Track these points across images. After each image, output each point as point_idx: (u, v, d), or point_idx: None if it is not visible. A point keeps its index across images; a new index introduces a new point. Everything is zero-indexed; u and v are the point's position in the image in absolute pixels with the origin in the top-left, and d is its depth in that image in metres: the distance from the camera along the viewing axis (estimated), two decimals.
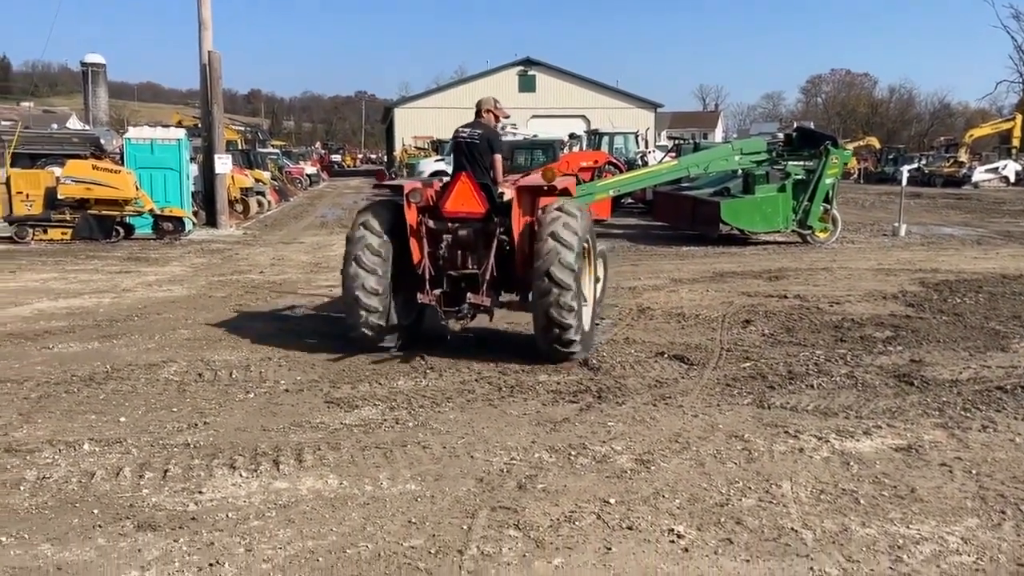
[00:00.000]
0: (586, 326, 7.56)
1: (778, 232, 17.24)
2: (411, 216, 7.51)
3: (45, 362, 7.58)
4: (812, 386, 6.69)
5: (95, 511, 4.30)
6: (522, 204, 7.59)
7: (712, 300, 10.64)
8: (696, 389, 6.66)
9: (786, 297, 10.74)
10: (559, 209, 7.29)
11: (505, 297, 8.00)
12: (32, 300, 10.90)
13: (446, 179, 8.35)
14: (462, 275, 7.57)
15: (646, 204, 23.82)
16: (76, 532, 4.05)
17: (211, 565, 3.72)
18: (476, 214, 7.49)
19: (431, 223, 7.56)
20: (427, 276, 7.36)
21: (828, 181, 16.55)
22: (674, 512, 4.30)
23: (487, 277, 7.35)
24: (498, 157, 7.89)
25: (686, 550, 3.86)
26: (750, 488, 4.62)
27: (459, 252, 7.59)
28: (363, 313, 7.36)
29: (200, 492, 4.54)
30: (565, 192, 7.84)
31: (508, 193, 7.59)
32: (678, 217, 19.07)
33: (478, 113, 8.13)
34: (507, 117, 8.43)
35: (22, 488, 4.62)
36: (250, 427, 5.67)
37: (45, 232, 17.97)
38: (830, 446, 5.29)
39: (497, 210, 7.55)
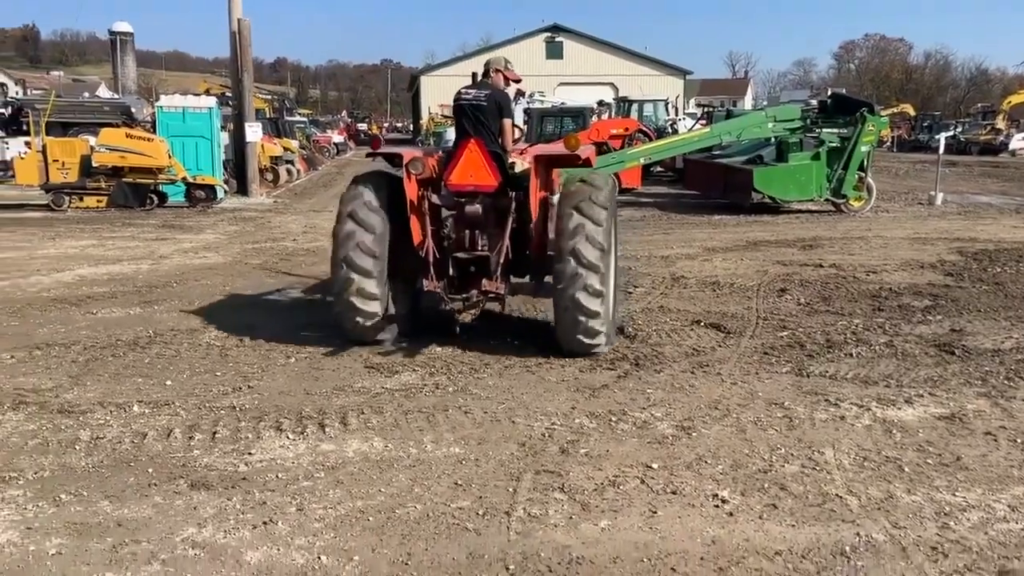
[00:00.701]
0: (611, 314, 6.77)
1: (811, 201, 17.05)
2: (411, 190, 6.53)
3: (89, 327, 7.72)
4: (851, 355, 6.66)
5: (149, 470, 4.41)
6: (540, 176, 6.82)
7: (746, 269, 10.57)
8: (734, 357, 6.65)
9: (821, 266, 10.65)
10: (584, 180, 6.48)
11: (514, 281, 7.17)
12: (73, 266, 11.08)
13: (448, 146, 7.43)
14: (471, 258, 6.61)
15: (675, 172, 23.62)
16: (133, 490, 4.16)
17: (265, 523, 3.81)
18: (487, 187, 6.50)
19: (434, 198, 6.66)
20: (431, 260, 6.37)
21: (863, 149, 16.32)
22: (717, 477, 4.33)
23: (501, 260, 6.41)
24: (508, 122, 6.88)
25: (731, 514, 3.89)
26: (792, 455, 4.63)
27: (467, 232, 6.64)
28: (359, 320, 6.53)
29: (249, 453, 4.63)
30: (587, 163, 6.95)
31: (520, 163, 6.64)
32: (709, 185, 18.90)
33: (485, 73, 7.14)
34: (518, 81, 7.39)
35: (78, 448, 4.74)
36: (293, 391, 5.76)
37: (81, 200, 18.20)
38: (871, 414, 5.28)
39: (509, 183, 6.60)
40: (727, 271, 10.41)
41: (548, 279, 6.87)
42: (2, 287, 9.76)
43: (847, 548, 3.57)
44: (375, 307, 6.49)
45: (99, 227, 15.42)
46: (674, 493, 4.12)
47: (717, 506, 3.99)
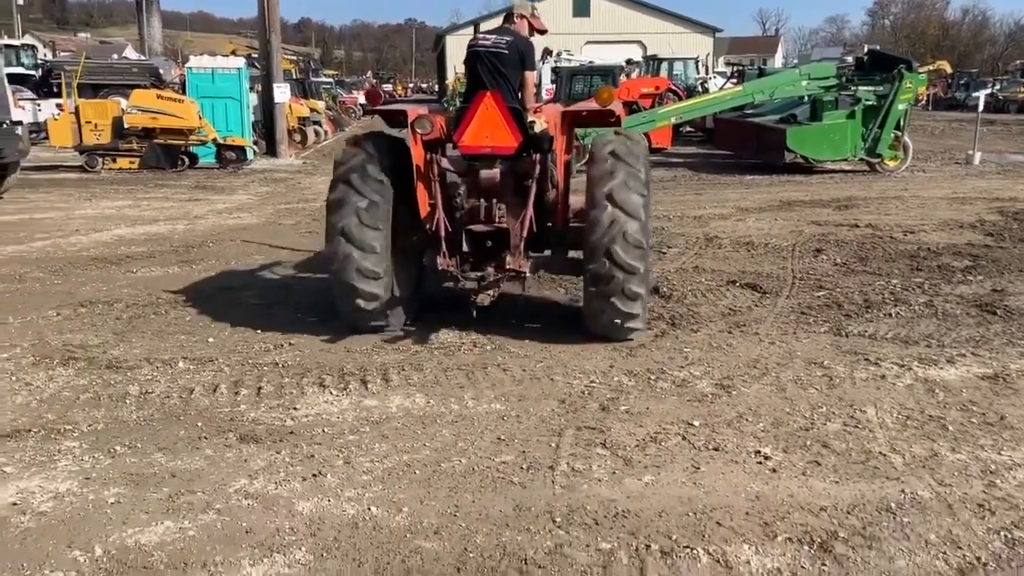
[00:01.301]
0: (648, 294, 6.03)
1: (845, 160, 16.80)
2: (417, 153, 5.72)
3: (130, 285, 7.85)
4: (890, 315, 6.60)
5: (199, 424, 4.51)
6: (568, 136, 6.26)
7: (780, 229, 10.48)
8: (770, 317, 6.62)
9: (857, 226, 10.52)
10: (615, 156, 5.58)
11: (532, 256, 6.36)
12: (110, 226, 11.23)
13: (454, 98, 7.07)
14: (487, 232, 5.73)
15: (705, 132, 23.33)
16: (184, 443, 4.26)
17: (314, 476, 3.89)
18: (505, 149, 5.68)
19: (444, 163, 5.81)
20: (443, 234, 5.52)
21: (900, 107, 16.00)
22: (758, 435, 4.34)
23: (524, 234, 5.62)
24: (531, 75, 6.01)
25: (774, 471, 3.92)
26: (834, 413, 4.63)
27: (482, 201, 5.77)
28: (360, 302, 5.72)
29: (295, 408, 4.71)
30: (617, 121, 6.19)
31: (540, 123, 5.82)
32: (741, 145, 18.65)
33: (507, 19, 6.23)
34: (543, 33, 6.39)
35: (128, 402, 4.85)
36: (334, 349, 5.83)
37: (114, 161, 18.36)
38: (913, 374, 5.25)
39: (530, 144, 5.80)
40: (761, 231, 10.32)
41: (573, 254, 6.22)
42: (43, 247, 9.93)
43: (892, 505, 3.58)
44: (378, 288, 5.68)
45: (133, 188, 15.58)
46: (716, 450, 4.15)
47: (760, 463, 4.01)
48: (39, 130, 22.19)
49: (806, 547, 3.25)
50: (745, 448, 4.17)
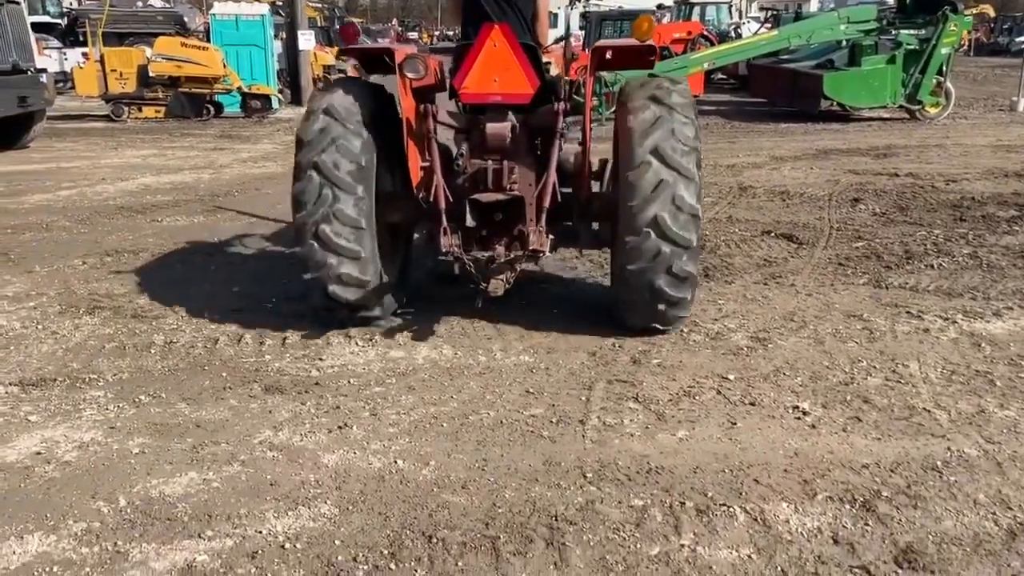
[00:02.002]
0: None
1: (884, 107, 16.29)
2: (407, 105, 4.67)
3: (156, 234, 7.80)
4: (932, 266, 6.37)
5: (223, 374, 4.45)
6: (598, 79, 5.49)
7: (817, 178, 10.18)
8: (807, 268, 6.43)
9: (897, 175, 10.20)
10: (657, 101, 4.54)
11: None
12: (136, 175, 11.19)
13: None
14: (496, 202, 4.66)
15: (738, 80, 22.75)
16: (209, 393, 4.20)
17: (340, 427, 3.81)
18: (519, 96, 4.64)
19: (441, 115, 4.80)
20: (443, 206, 4.48)
21: (944, 51, 15.43)
22: (796, 389, 4.19)
23: (546, 204, 4.53)
24: (545, 5, 5.16)
25: (813, 427, 3.78)
26: (875, 367, 4.47)
27: (490, 163, 4.71)
28: (338, 290, 4.72)
29: (320, 359, 4.63)
30: (652, 62, 5.06)
31: (557, 65, 5.15)
32: (776, 92, 18.14)
33: None
34: None
35: (153, 351, 4.80)
36: None
37: (140, 110, 18.31)
38: (958, 327, 5.05)
39: (548, 90, 4.86)
40: (796, 180, 10.04)
41: (598, 226, 5.38)
42: (70, 196, 9.91)
43: (938, 463, 3.44)
44: (360, 272, 4.68)
45: (159, 137, 15.52)
46: (752, 404, 4.01)
47: (798, 418, 3.87)
48: (65, 79, 22.20)
49: (847, 506, 3.12)
50: (782, 403, 4.03)
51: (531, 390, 4.19)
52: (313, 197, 4.57)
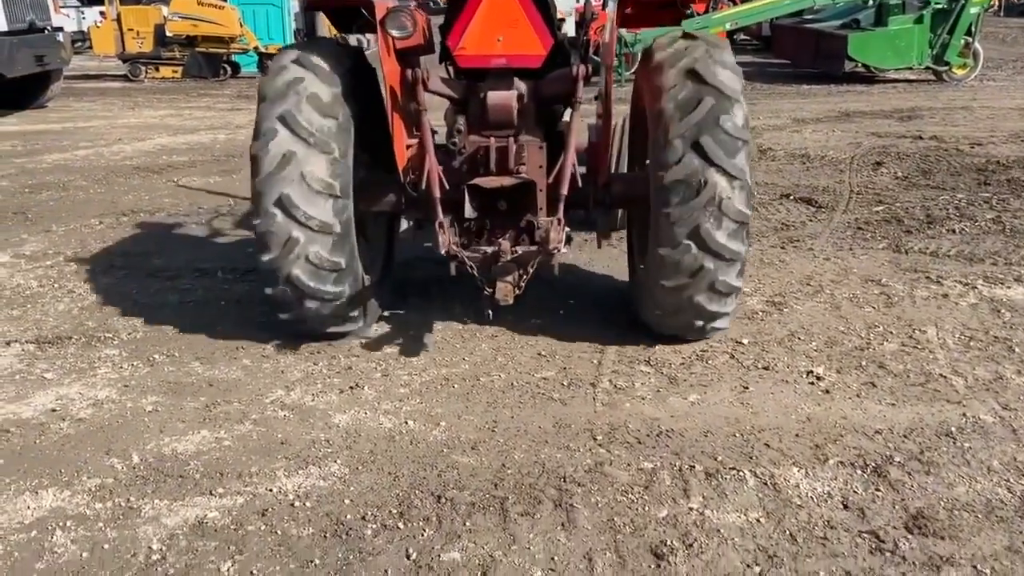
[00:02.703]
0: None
1: (910, 69, 15.94)
2: (391, 69, 3.90)
3: (172, 194, 7.81)
4: (954, 231, 6.27)
5: (237, 334, 4.46)
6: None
7: (838, 141, 10.01)
8: (826, 232, 6.34)
9: (921, 138, 10.00)
10: (696, 77, 3.70)
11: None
12: (153, 135, 11.19)
13: None
14: (502, 188, 3.94)
15: (761, 40, 22.32)
16: (221, 352, 4.22)
17: (351, 388, 3.82)
18: (529, 59, 3.89)
19: (433, 83, 4.02)
20: (437, 194, 3.77)
21: (973, 11, 15.03)
22: (811, 354, 4.15)
23: (563, 191, 3.79)
24: None
25: (827, 392, 3.74)
26: (891, 333, 4.41)
27: (493, 141, 3.93)
28: (310, 305, 3.98)
29: None
30: (679, 19, 4.51)
31: (571, 17, 4.66)
32: (799, 53, 17.79)
33: None
34: None
35: (167, 311, 4.83)
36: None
37: (157, 70, 18.28)
38: (977, 292, 4.97)
39: (561, 52, 4.26)
40: (817, 143, 9.88)
41: (620, 214, 4.78)
42: (87, 155, 9.94)
43: (953, 429, 3.40)
44: (337, 282, 3.93)
45: (175, 97, 15.50)
46: (766, 369, 3.98)
47: (812, 383, 3.84)
48: (83, 38, 22.15)
49: (859, 471, 3.10)
50: (796, 368, 3.99)
51: (543, 353, 4.18)
52: (279, 189, 3.78)
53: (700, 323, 4.01)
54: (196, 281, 5.34)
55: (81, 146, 10.52)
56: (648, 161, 3.93)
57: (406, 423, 3.48)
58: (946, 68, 15.63)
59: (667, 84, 3.75)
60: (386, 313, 4.35)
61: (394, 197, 4.29)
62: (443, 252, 3.72)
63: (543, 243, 3.77)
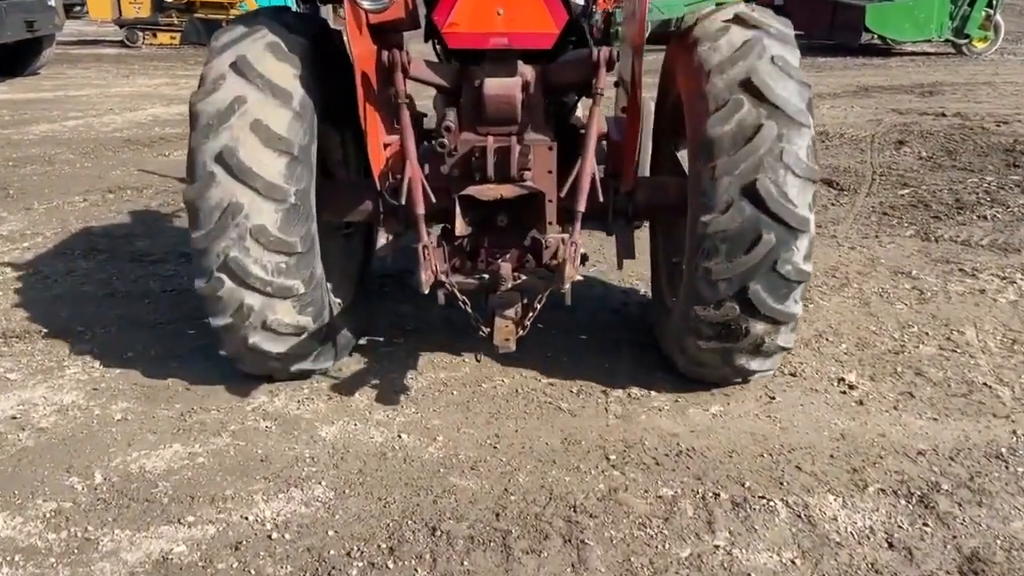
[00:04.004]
0: None
1: (928, 41, 15.45)
2: (362, 51, 3.15)
3: (162, 169, 7.45)
4: (985, 217, 5.91)
5: None
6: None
7: (858, 118, 9.60)
8: (849, 218, 5.99)
9: (944, 115, 9.59)
10: (740, 22, 3.17)
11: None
12: (146, 105, 10.81)
13: None
14: (502, 200, 3.27)
15: (772, 9, 21.69)
16: (202, 350, 3.86)
17: (341, 394, 3.50)
18: (537, 38, 3.17)
19: (416, 70, 3.28)
20: (419, 210, 3.06)
21: None
22: (841, 358, 3.82)
23: (580, 207, 3.06)
24: None
25: (860, 403, 3.41)
26: (927, 334, 4.08)
27: (491, 141, 3.23)
28: (269, 348, 3.29)
29: None
30: None
31: None
32: (814, 24, 17.20)
33: None
34: None
35: (147, 301, 4.50)
36: None
37: (154, 36, 17.83)
38: (1017, 288, 4.63)
39: (575, 30, 3.61)
40: (836, 120, 9.47)
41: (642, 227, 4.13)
42: (76, 126, 9.58)
43: (1003, 450, 3.07)
44: (297, 320, 3.25)
45: (172, 65, 15.07)
46: (793, 375, 3.65)
47: (844, 392, 3.51)
48: (80, 2, 21.63)
49: (903, 501, 2.78)
50: (826, 374, 3.66)
51: (550, 354, 3.84)
52: (221, 201, 3.02)
53: (739, 379, 3.49)
54: (181, 267, 5.00)
55: (71, 116, 10.14)
56: (690, 197, 3.16)
57: (399, 437, 3.16)
58: (966, 41, 15.15)
59: (714, 97, 3.02)
60: (363, 341, 3.92)
61: (370, 205, 3.53)
62: (423, 289, 2.98)
63: (556, 270, 3.07)
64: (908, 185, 6.80)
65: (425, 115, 4.31)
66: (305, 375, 3.56)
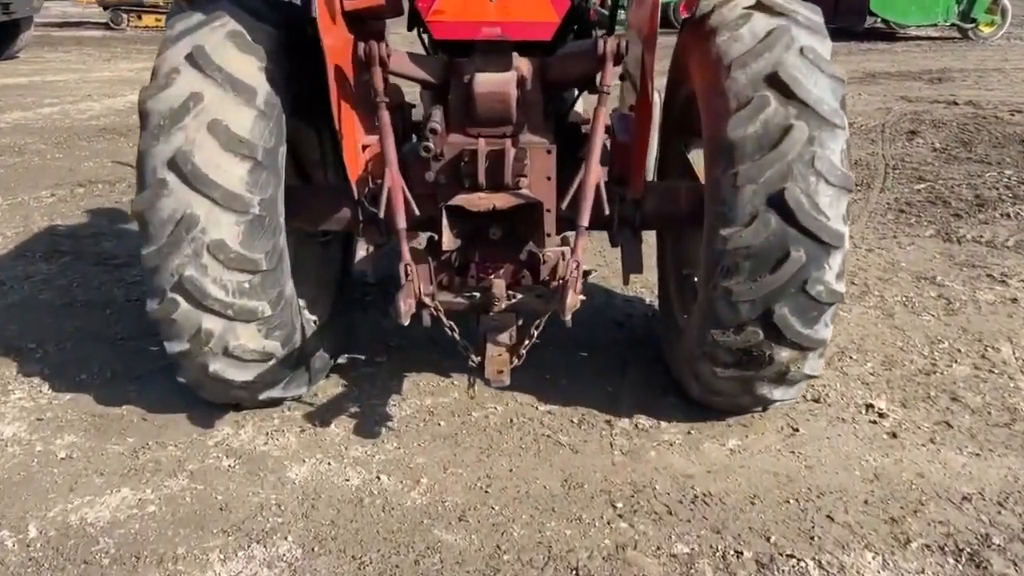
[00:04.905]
0: None
1: (934, 26, 15.07)
2: (334, 42, 2.77)
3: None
4: (1008, 215, 5.57)
5: None
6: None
7: (866, 106, 9.23)
8: (864, 215, 5.64)
9: (956, 103, 9.23)
10: (764, 8, 2.78)
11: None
12: (126, 91, 10.39)
13: None
14: (495, 212, 2.94)
15: None
16: (164, 372, 3.46)
17: (315, 424, 3.14)
18: (535, 29, 2.82)
19: (397, 63, 2.91)
20: (400, 224, 2.76)
21: None
22: (867, 380, 3.47)
23: (583, 220, 2.75)
24: None
25: (894, 435, 3.06)
26: (959, 351, 3.73)
27: (482, 144, 2.87)
28: (233, 376, 2.90)
29: None
30: None
31: None
32: (817, 6, 16.84)
33: None
34: None
35: (108, 312, 4.13)
36: None
37: (139, 18, 17.37)
38: None
39: (579, 18, 3.45)
40: None
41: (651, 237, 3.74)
42: (51, 114, 9.17)
43: None
44: (263, 345, 2.87)
45: (157, 48, 14.59)
46: (816, 401, 3.30)
47: (873, 421, 3.16)
48: None
49: (951, 560, 2.44)
50: (853, 400, 3.31)
51: (548, 376, 3.48)
52: (175, 212, 2.65)
53: (759, 408, 3.14)
54: None
55: (46, 103, 9.72)
56: (707, 208, 2.76)
57: (378, 478, 2.80)
58: (973, 25, 14.79)
59: (735, 95, 2.64)
60: (342, 360, 3.55)
61: (348, 212, 3.11)
62: (402, 320, 2.61)
63: (557, 297, 2.71)
64: (924, 179, 6.46)
65: (414, 106, 3.98)
66: (276, 403, 3.19)
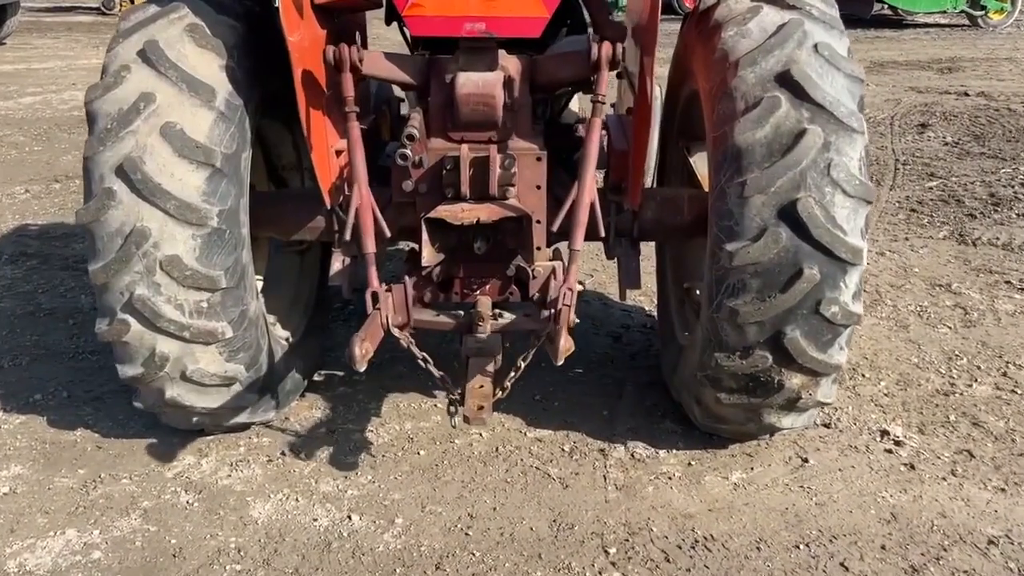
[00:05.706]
0: None
1: (943, 12, 14.74)
2: (300, 41, 2.49)
3: None
4: None
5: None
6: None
7: (874, 97, 8.94)
8: (874, 215, 5.37)
9: (966, 94, 8.95)
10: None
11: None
12: None
13: None
14: (479, 225, 2.66)
15: None
16: (124, 392, 3.24)
17: (283, 454, 2.90)
18: (523, 24, 2.53)
19: (371, 64, 2.66)
20: (372, 248, 2.52)
21: None
22: (881, 402, 3.23)
23: (578, 233, 2.48)
24: None
25: (911, 467, 2.82)
26: (979, 368, 3.48)
27: (465, 151, 2.63)
28: (195, 403, 2.67)
29: None
30: None
31: None
32: None
33: None
34: None
35: (71, 323, 3.89)
36: None
37: (132, 3, 16.97)
38: None
39: (572, 12, 3.20)
40: None
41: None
42: (32, 103, 8.90)
43: None
44: (224, 368, 2.62)
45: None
46: (827, 427, 3.05)
47: (889, 450, 2.92)
48: None
49: None
50: (866, 425, 3.07)
51: (538, 397, 3.24)
52: (124, 225, 2.42)
53: (765, 435, 2.90)
54: None
55: (28, 92, 9.45)
56: (711, 219, 2.52)
57: (349, 518, 2.56)
58: (982, 13, 14.48)
59: (743, 95, 2.41)
60: (319, 376, 3.31)
61: (322, 221, 2.88)
62: (356, 367, 2.32)
63: (549, 320, 2.44)
64: (936, 176, 6.20)
65: (402, 100, 3.74)
66: (243, 428, 2.95)
